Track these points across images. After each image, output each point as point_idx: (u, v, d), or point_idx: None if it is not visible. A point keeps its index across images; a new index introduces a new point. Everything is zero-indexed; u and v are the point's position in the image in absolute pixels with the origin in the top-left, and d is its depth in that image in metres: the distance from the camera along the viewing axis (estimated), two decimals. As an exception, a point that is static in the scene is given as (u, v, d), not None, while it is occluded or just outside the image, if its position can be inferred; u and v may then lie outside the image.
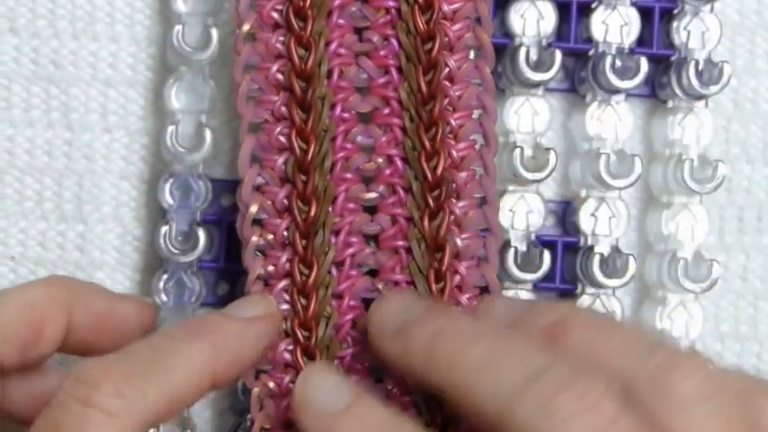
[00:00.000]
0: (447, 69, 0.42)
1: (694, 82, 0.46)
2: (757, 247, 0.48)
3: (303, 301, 0.42)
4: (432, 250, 0.42)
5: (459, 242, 0.42)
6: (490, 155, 0.43)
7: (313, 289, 0.42)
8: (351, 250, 0.42)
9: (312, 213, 0.42)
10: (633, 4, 0.46)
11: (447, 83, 0.43)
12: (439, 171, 0.42)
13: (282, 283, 0.42)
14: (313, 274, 0.42)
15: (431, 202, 0.42)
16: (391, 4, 0.43)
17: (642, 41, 0.47)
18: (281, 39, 0.42)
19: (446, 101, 0.42)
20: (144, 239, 0.47)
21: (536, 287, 0.46)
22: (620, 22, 0.46)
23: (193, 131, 0.45)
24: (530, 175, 0.45)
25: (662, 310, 0.46)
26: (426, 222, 0.42)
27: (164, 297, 0.45)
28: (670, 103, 0.47)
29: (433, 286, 0.42)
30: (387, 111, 0.43)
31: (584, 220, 0.46)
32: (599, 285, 0.46)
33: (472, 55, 0.43)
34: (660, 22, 0.47)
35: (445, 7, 0.43)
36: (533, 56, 0.46)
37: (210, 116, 0.46)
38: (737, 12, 0.48)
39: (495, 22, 0.46)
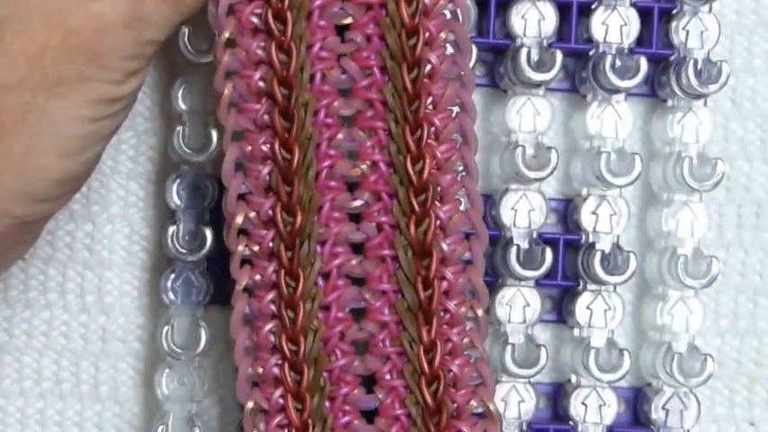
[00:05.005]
0: (429, 66, 0.40)
1: (693, 81, 0.46)
2: (756, 244, 0.49)
3: (290, 314, 0.40)
4: (419, 257, 0.41)
5: (445, 247, 0.41)
6: (470, 154, 0.41)
7: (300, 301, 0.40)
8: (337, 261, 0.41)
9: (297, 224, 0.40)
10: (633, 5, 0.47)
11: (428, 81, 0.41)
12: (425, 175, 0.40)
13: (270, 295, 0.41)
14: (300, 287, 0.40)
15: (417, 207, 0.40)
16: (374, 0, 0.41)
17: (642, 41, 0.47)
18: (262, 44, 0.40)
19: (429, 100, 0.41)
20: (152, 239, 0.48)
21: (538, 284, 0.47)
22: (620, 22, 0.46)
23: (200, 132, 0.46)
24: (531, 174, 0.46)
25: (662, 307, 0.47)
26: (413, 229, 0.40)
27: (171, 296, 0.46)
28: (669, 102, 0.47)
29: (422, 294, 0.40)
30: (371, 113, 0.41)
31: (586, 218, 0.47)
32: (600, 282, 0.46)
33: (450, 50, 0.41)
34: (659, 23, 0.47)
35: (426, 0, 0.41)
36: (534, 56, 0.46)
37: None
38: (735, 11, 0.49)
39: (496, 23, 0.47)
